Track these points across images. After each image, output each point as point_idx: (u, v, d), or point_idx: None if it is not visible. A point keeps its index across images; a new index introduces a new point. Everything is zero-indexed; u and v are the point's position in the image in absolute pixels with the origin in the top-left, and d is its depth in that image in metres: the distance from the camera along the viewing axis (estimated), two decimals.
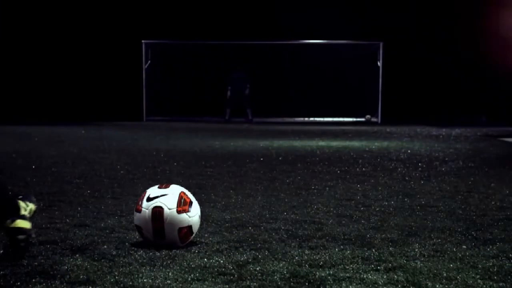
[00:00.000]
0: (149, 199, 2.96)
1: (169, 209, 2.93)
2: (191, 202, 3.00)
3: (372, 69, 20.00)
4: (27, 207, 2.82)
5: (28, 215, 2.79)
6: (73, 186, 4.95)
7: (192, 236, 2.99)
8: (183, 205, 2.96)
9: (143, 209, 2.95)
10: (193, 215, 2.98)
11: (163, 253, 2.84)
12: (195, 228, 3.01)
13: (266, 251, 2.90)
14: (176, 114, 19.94)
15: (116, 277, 2.47)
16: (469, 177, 5.74)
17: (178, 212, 2.93)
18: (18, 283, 2.39)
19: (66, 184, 5.02)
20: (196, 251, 2.89)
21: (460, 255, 2.85)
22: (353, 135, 12.32)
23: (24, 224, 2.73)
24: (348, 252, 2.89)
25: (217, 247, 2.98)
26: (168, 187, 3.03)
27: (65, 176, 5.52)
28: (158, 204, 2.93)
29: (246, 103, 19.08)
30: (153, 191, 3.01)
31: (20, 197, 2.87)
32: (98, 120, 17.71)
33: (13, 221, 2.71)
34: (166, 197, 2.96)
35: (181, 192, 3.02)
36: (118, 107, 19.61)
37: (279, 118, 19.82)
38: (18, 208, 2.78)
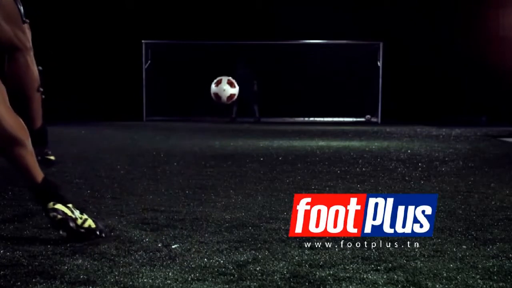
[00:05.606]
0: (217, 83, 6.54)
1: (224, 89, 6.61)
2: (233, 83, 6.70)
3: (372, 69, 20.01)
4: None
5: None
6: (73, 186, 4.95)
7: (233, 99, 6.76)
8: (232, 85, 6.45)
9: (218, 85, 6.49)
10: (234, 91, 6.56)
11: (163, 253, 2.85)
12: (234, 96, 6.59)
13: (266, 251, 2.90)
14: (176, 114, 19.95)
15: (116, 277, 2.47)
16: (469, 177, 5.74)
17: (228, 86, 6.18)
18: (18, 283, 2.39)
19: (66, 184, 5.02)
20: (196, 251, 2.89)
21: (460, 255, 2.85)
22: (353, 135, 12.32)
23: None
24: (348, 252, 2.89)
25: (217, 247, 2.98)
26: (221, 82, 7.00)
27: (65, 176, 5.52)
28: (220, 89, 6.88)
29: (254, 100, 19.07)
30: (224, 80, 6.47)
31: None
32: (98, 120, 17.71)
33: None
34: (224, 82, 5.97)
35: (228, 79, 6.79)
36: (118, 107, 19.62)
37: (279, 118, 19.83)
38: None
